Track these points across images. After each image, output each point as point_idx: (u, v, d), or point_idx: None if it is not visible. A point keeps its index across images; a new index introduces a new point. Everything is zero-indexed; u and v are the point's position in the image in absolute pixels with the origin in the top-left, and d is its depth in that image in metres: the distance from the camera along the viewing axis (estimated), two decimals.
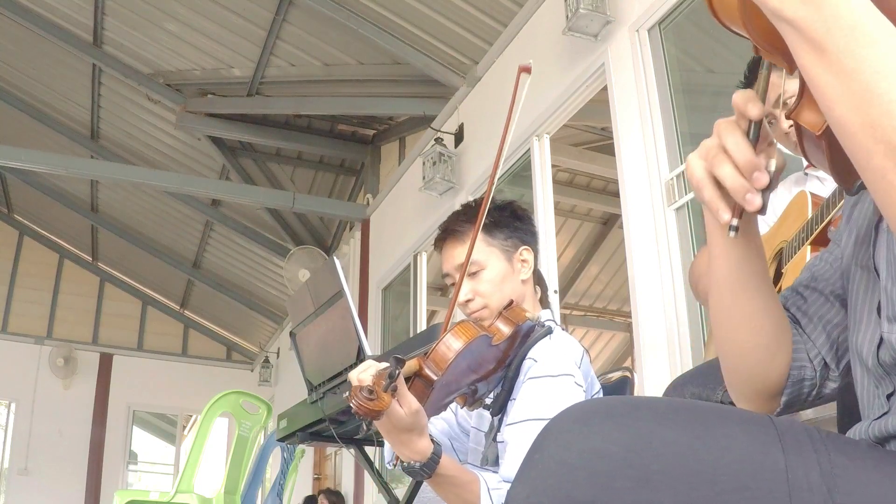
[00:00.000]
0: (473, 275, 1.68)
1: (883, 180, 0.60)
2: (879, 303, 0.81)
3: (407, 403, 1.27)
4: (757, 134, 0.72)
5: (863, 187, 0.73)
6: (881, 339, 0.80)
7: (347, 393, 1.20)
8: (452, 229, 1.73)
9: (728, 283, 0.86)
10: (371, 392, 1.17)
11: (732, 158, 0.72)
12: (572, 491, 0.64)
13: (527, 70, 1.50)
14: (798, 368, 0.91)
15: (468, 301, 1.67)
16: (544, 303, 3.11)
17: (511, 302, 1.61)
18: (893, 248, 0.80)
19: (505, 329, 1.51)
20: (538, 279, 3.17)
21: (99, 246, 10.81)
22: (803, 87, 0.70)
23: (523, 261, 1.72)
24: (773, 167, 0.72)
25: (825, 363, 0.92)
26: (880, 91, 0.58)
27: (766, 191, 0.71)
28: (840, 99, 0.61)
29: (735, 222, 0.72)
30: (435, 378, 1.34)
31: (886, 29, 0.60)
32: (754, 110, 0.71)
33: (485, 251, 1.68)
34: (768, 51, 0.70)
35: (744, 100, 0.72)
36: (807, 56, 0.63)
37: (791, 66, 0.68)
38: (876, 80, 0.59)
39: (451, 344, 1.38)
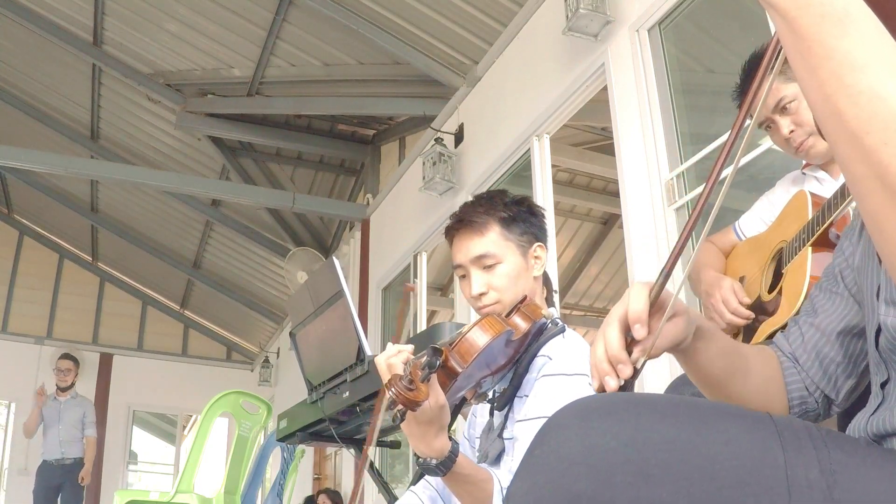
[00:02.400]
0: (489, 268, 1.64)
1: (848, 168, 0.61)
2: (879, 287, 0.81)
3: (435, 397, 1.26)
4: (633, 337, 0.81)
5: None
6: (879, 325, 0.80)
7: (385, 382, 1.18)
8: (469, 220, 1.67)
9: (702, 381, 0.96)
10: (411, 381, 1.17)
11: (605, 345, 0.82)
12: (572, 485, 0.65)
13: (411, 289, 1.57)
14: (800, 404, 0.97)
15: (482, 294, 1.64)
16: (549, 302, 3.11)
17: (525, 297, 1.59)
18: None
19: (522, 325, 1.50)
20: (544, 279, 3.17)
21: (99, 246, 10.81)
22: None
23: (536, 257, 1.70)
24: (641, 363, 0.82)
25: (825, 395, 0.96)
26: (847, 82, 0.59)
27: (631, 378, 0.82)
28: (811, 84, 0.62)
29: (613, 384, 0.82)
30: (459, 370, 1.33)
31: (859, 21, 0.61)
32: (638, 334, 0.80)
33: (502, 245, 1.65)
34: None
35: (633, 314, 0.81)
36: (785, 39, 0.64)
37: None
38: (843, 71, 0.59)
39: (478, 337, 1.36)
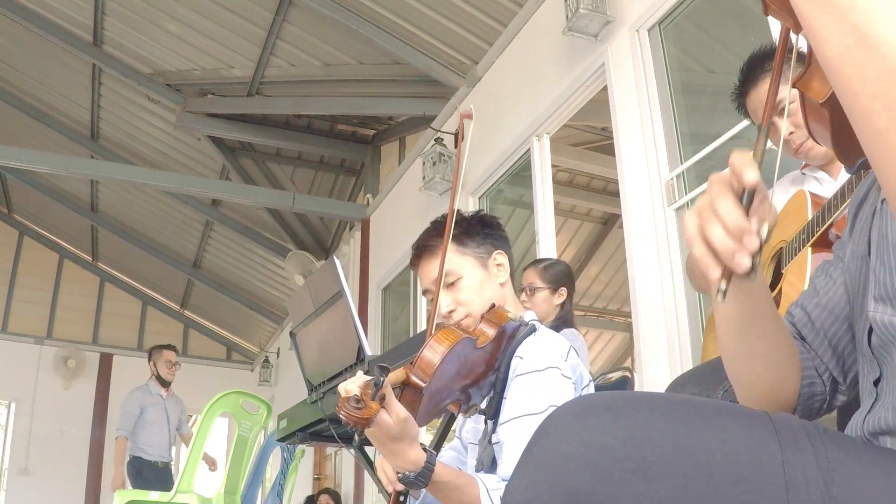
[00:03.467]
0: (452, 285, 1.70)
1: (868, 121, 0.60)
2: (868, 283, 0.82)
3: (395, 412, 1.28)
4: (751, 198, 0.71)
5: (864, 166, 0.74)
6: (870, 323, 0.81)
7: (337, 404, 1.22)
8: (425, 245, 1.75)
9: (734, 324, 0.89)
10: (359, 401, 1.19)
11: (723, 222, 0.71)
12: (570, 482, 0.65)
13: (468, 116, 1.61)
14: (808, 385, 0.94)
15: (451, 312, 1.69)
16: (566, 305, 3.14)
17: (493, 305, 1.63)
18: (881, 227, 0.81)
19: (489, 331, 1.53)
20: (567, 281, 3.20)
21: (99, 246, 10.81)
22: (810, 55, 0.73)
23: (498, 265, 1.75)
24: (764, 231, 0.72)
25: (833, 378, 0.95)
26: (871, 33, 0.59)
27: (757, 254, 0.71)
28: (832, 39, 0.62)
29: (723, 285, 0.72)
30: (423, 385, 1.36)
31: None
32: (750, 177, 0.71)
33: (459, 261, 1.71)
34: (776, 6, 0.71)
35: (741, 164, 0.71)
36: None
37: (796, 26, 0.69)
38: (867, 21, 0.59)
39: (435, 349, 1.39)
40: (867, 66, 0.59)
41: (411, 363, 1.38)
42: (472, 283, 1.70)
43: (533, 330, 1.60)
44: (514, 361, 1.55)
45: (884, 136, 0.59)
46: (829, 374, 0.95)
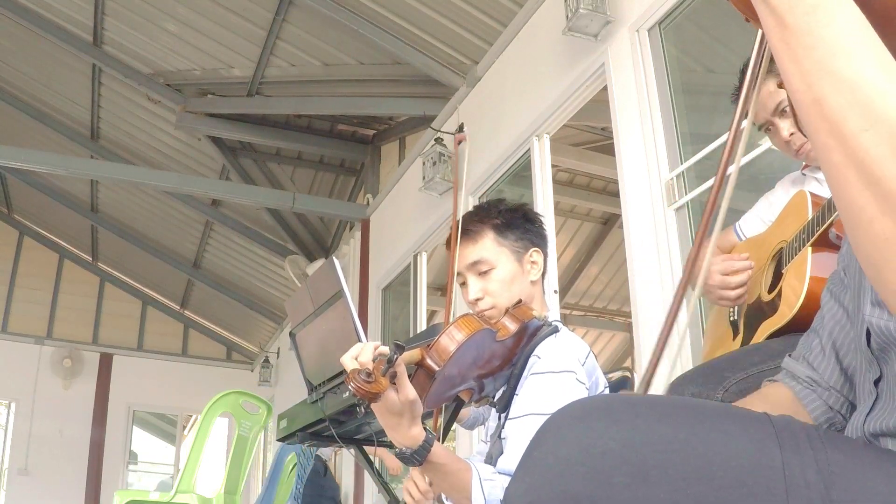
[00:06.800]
0: (484, 274, 1.70)
1: (826, 157, 0.60)
2: (865, 287, 0.82)
3: (403, 391, 1.30)
4: None
5: None
6: (868, 326, 0.81)
7: (346, 375, 1.23)
8: (465, 229, 1.75)
9: None
10: (369, 375, 1.21)
11: None
12: (570, 486, 0.65)
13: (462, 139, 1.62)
14: (829, 426, 0.95)
15: (477, 300, 1.70)
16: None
17: (520, 301, 1.63)
18: None
19: (511, 326, 1.54)
20: None
21: (99, 246, 10.81)
22: None
23: (533, 262, 1.75)
24: None
25: (850, 403, 0.95)
26: (832, 69, 0.59)
27: None
28: (795, 73, 0.62)
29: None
30: (436, 369, 1.37)
31: (846, 9, 0.61)
32: None
33: (495, 251, 1.71)
34: (750, 17, 0.73)
35: None
36: (770, 29, 0.64)
37: None
38: (828, 58, 0.59)
39: (454, 336, 1.41)
40: (826, 101, 0.59)
41: (428, 346, 1.40)
42: (504, 276, 1.70)
43: (555, 331, 1.61)
44: (532, 360, 1.56)
45: (838, 170, 0.60)
46: (845, 404, 0.95)
